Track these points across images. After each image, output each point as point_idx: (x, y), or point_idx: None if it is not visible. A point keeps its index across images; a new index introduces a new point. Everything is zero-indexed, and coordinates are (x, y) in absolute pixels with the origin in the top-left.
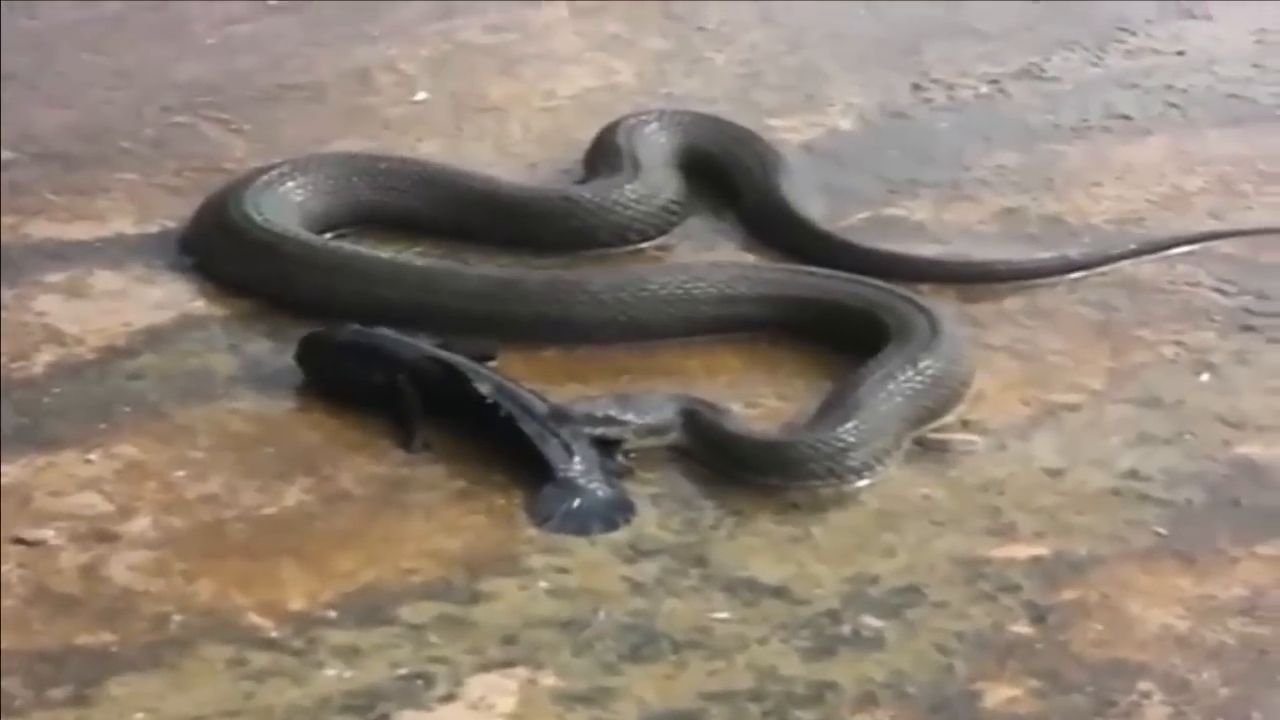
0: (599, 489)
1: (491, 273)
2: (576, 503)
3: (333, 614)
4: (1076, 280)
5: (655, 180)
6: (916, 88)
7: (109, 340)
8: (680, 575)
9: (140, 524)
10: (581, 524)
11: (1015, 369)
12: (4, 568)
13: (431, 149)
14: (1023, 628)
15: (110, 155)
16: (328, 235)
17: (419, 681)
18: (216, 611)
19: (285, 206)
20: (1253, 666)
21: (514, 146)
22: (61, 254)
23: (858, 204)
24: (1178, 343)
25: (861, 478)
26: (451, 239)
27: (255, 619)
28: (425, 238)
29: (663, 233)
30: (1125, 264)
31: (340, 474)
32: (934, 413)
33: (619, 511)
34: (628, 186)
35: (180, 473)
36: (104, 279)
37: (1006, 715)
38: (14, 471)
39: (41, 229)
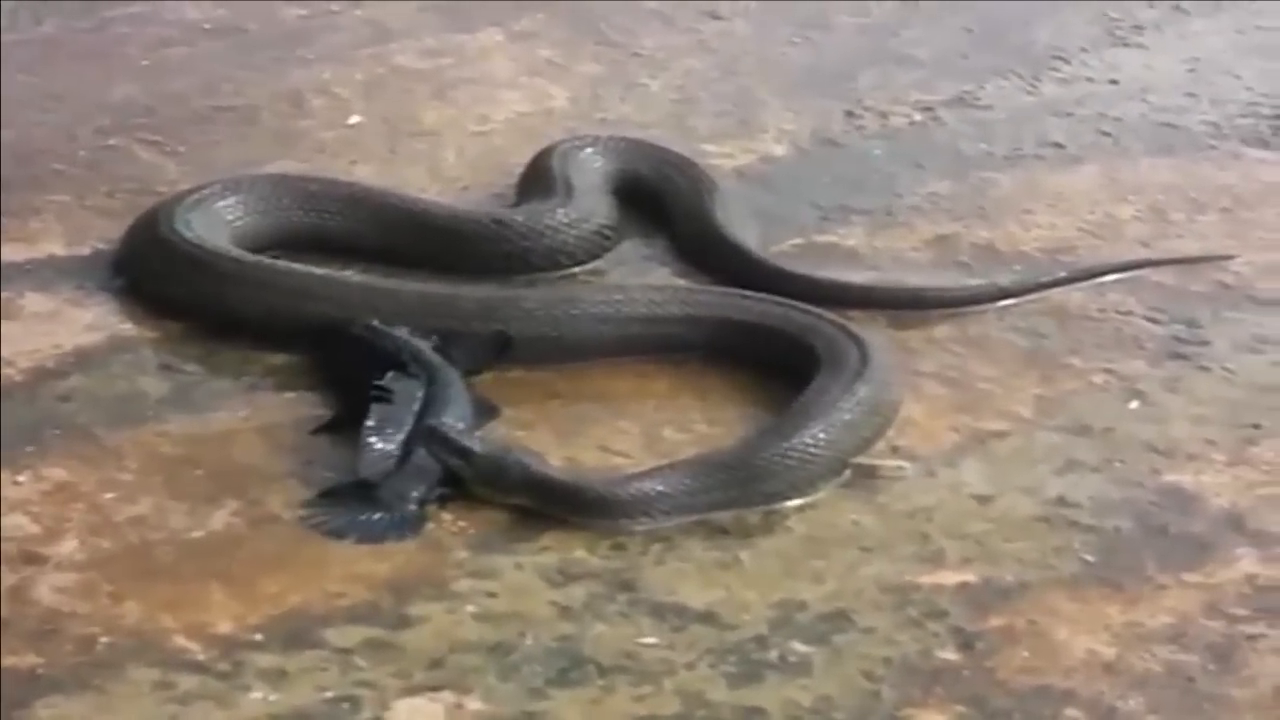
0: (399, 508)
1: (431, 288)
2: (376, 516)
3: (259, 637)
4: (1006, 308)
5: (588, 205)
6: (850, 115)
7: (38, 362)
8: (608, 600)
9: (68, 546)
10: (370, 532)
11: (945, 396)
12: None
13: (365, 172)
14: (950, 654)
15: (42, 177)
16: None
17: (345, 705)
18: (143, 634)
19: (216, 225)
20: (1180, 694)
21: (447, 170)
22: None
23: (790, 230)
24: (1107, 370)
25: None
26: (383, 261)
27: (182, 641)
28: (357, 260)
29: (595, 257)
30: (1055, 292)
31: (269, 497)
32: (865, 440)
33: (404, 527)
34: (560, 210)
35: (109, 495)
36: (34, 301)
37: None
38: None
39: None
